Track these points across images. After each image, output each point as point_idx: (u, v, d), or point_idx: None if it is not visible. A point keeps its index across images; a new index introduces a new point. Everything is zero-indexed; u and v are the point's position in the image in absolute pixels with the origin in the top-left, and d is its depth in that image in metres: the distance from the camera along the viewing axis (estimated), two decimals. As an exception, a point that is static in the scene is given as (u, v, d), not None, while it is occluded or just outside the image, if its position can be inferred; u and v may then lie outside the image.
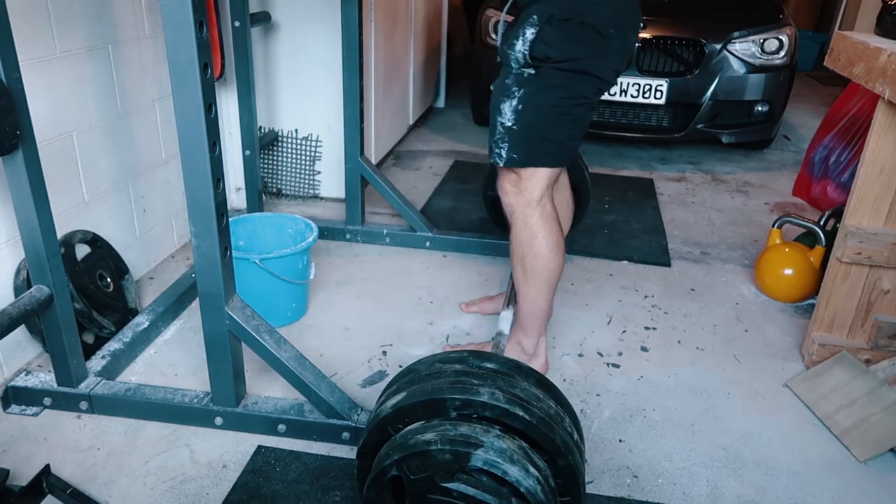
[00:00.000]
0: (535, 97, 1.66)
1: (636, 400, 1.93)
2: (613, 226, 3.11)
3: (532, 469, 1.20)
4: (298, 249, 2.11)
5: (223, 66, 2.62)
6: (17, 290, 1.83)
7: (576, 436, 1.34)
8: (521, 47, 1.63)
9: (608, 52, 1.65)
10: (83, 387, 1.76)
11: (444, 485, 1.21)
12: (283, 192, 3.19)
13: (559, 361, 2.08)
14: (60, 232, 1.81)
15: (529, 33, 1.61)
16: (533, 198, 1.76)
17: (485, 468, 1.18)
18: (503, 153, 1.73)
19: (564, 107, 1.67)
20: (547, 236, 1.79)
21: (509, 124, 1.70)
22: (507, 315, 1.84)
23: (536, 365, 1.95)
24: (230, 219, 1.93)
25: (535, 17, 1.61)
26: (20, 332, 1.87)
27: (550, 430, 1.24)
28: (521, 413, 1.23)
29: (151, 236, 2.51)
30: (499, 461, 1.18)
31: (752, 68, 3.80)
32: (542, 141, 1.70)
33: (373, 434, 1.33)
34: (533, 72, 1.64)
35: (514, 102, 1.68)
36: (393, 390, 1.38)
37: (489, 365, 1.33)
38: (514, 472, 1.17)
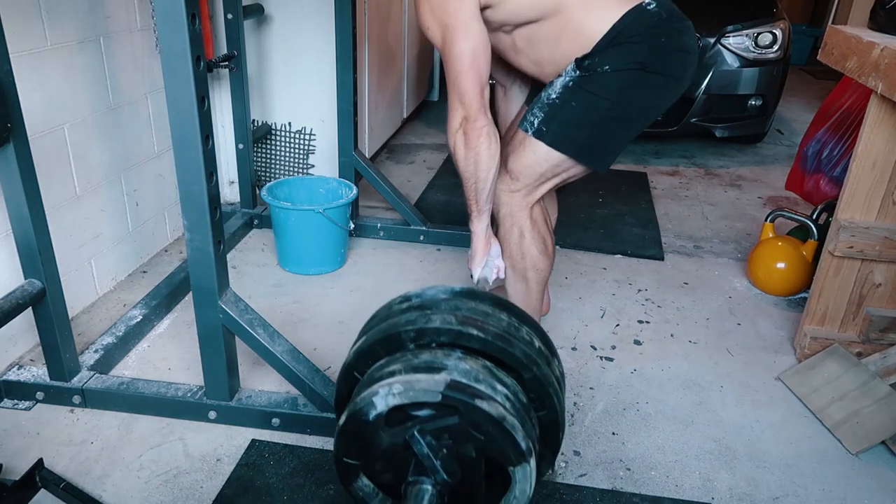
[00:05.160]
0: (589, 83, 1.65)
1: (629, 393, 1.94)
2: (607, 220, 3.12)
3: (499, 386, 1.20)
4: (348, 200, 2.49)
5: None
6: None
7: (537, 343, 1.32)
8: (571, 65, 1.66)
9: (666, 52, 1.65)
10: (76, 381, 1.76)
11: (414, 413, 1.21)
12: (277, 185, 3.18)
13: (553, 355, 2.09)
14: None
15: (571, 64, 1.67)
16: (525, 202, 1.76)
17: None
18: (535, 122, 1.70)
19: (617, 102, 1.65)
20: (535, 237, 1.80)
21: (554, 96, 1.68)
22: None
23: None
24: (270, 182, 2.57)
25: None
26: (12, 326, 1.86)
27: (508, 344, 1.24)
28: (476, 332, 1.23)
29: (144, 230, 2.50)
30: (463, 382, 1.18)
31: (745, 62, 3.80)
32: (577, 129, 1.68)
33: (342, 384, 1.34)
34: (592, 74, 1.64)
35: (567, 79, 1.67)
36: (357, 339, 1.41)
37: (437, 295, 1.36)
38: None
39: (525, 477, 1.20)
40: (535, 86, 1.95)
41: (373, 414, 1.19)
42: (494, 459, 1.20)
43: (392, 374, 1.21)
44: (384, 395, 1.18)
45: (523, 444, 1.17)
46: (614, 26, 1.62)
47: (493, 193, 1.75)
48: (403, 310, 1.34)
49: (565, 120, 1.68)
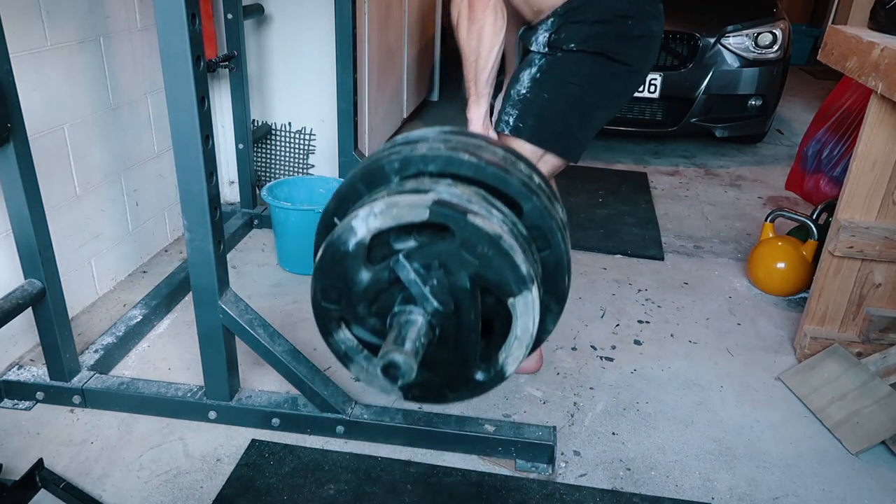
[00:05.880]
0: (555, 69, 1.61)
1: (629, 393, 1.94)
2: (607, 220, 3.12)
3: (495, 212, 1.06)
4: None
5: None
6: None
7: (537, 179, 1.18)
8: (542, 38, 1.62)
9: (629, 39, 1.61)
10: (76, 381, 1.76)
11: (398, 246, 1.08)
12: (277, 185, 3.18)
13: (553, 355, 2.09)
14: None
15: (543, 35, 1.62)
16: None
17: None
18: (510, 120, 1.66)
19: (582, 88, 1.62)
20: None
21: (524, 91, 1.65)
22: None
23: (531, 360, 1.96)
24: (270, 182, 2.54)
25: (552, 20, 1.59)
26: (12, 326, 1.86)
27: (504, 172, 1.10)
28: (467, 157, 1.09)
29: (144, 230, 2.50)
30: (454, 201, 1.04)
31: (745, 62, 3.80)
32: (553, 120, 1.65)
33: (321, 233, 1.21)
34: (559, 54, 1.61)
35: (534, 70, 1.63)
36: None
37: (426, 133, 1.23)
38: None
39: (527, 309, 1.06)
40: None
41: (353, 242, 1.05)
42: (491, 290, 1.07)
43: (373, 201, 1.08)
44: (364, 218, 1.04)
45: (523, 268, 1.04)
46: None
47: (494, 76, 1.63)
48: (387, 148, 1.20)
49: (540, 114, 1.65)
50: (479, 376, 1.16)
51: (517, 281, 1.04)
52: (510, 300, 1.06)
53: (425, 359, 1.08)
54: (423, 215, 1.01)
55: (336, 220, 1.19)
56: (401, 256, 1.06)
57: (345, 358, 1.19)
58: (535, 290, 1.05)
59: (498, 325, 1.13)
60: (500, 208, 1.08)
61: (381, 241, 1.08)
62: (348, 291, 1.11)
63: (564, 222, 1.22)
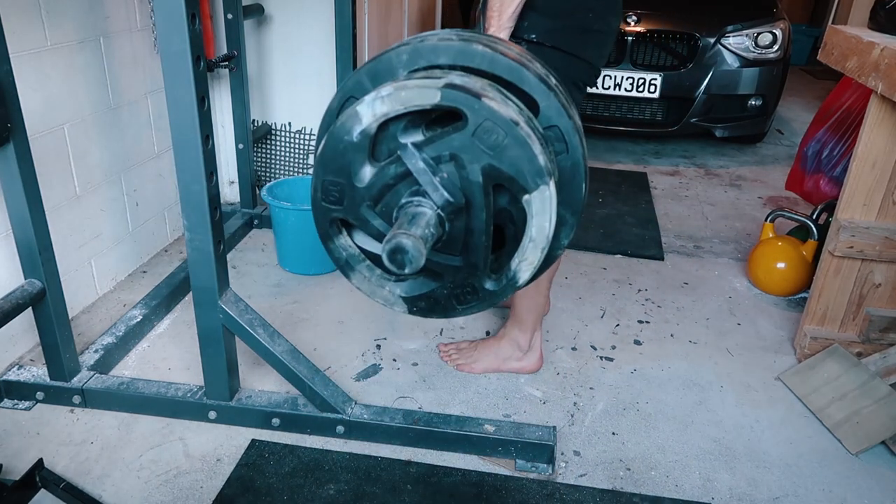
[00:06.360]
0: None
1: (629, 393, 1.94)
2: (607, 219, 3.12)
3: (511, 102, 0.99)
4: None
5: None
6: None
7: (554, 80, 1.10)
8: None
9: (586, 32, 1.60)
10: (76, 381, 1.76)
11: (405, 141, 1.03)
12: (277, 185, 3.18)
13: (553, 355, 2.09)
14: None
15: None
16: None
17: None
18: None
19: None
20: None
21: None
22: None
23: (531, 360, 1.96)
24: (270, 182, 2.54)
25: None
26: (12, 326, 1.86)
27: (520, 65, 1.02)
28: (481, 48, 1.01)
29: (144, 230, 2.50)
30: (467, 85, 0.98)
31: (745, 62, 3.81)
32: None
33: (322, 133, 1.15)
34: (524, 45, 1.57)
35: None
36: None
37: (436, 31, 1.16)
38: None
39: (543, 207, 0.99)
40: None
41: (357, 131, 0.99)
42: (505, 186, 1.00)
43: (380, 87, 1.01)
44: (370, 102, 0.96)
45: (540, 159, 0.96)
46: None
47: (518, 10, 1.53)
48: (396, 44, 1.12)
49: None
50: (490, 285, 1.09)
51: (534, 174, 0.97)
52: (525, 197, 0.99)
53: (432, 266, 1.02)
54: (434, 98, 0.94)
55: None
56: (409, 144, 1.00)
57: (346, 266, 1.13)
58: (552, 185, 0.98)
59: (510, 234, 1.06)
60: (516, 102, 1.01)
61: (387, 136, 1.02)
62: (351, 189, 1.04)
63: (581, 127, 1.15)
